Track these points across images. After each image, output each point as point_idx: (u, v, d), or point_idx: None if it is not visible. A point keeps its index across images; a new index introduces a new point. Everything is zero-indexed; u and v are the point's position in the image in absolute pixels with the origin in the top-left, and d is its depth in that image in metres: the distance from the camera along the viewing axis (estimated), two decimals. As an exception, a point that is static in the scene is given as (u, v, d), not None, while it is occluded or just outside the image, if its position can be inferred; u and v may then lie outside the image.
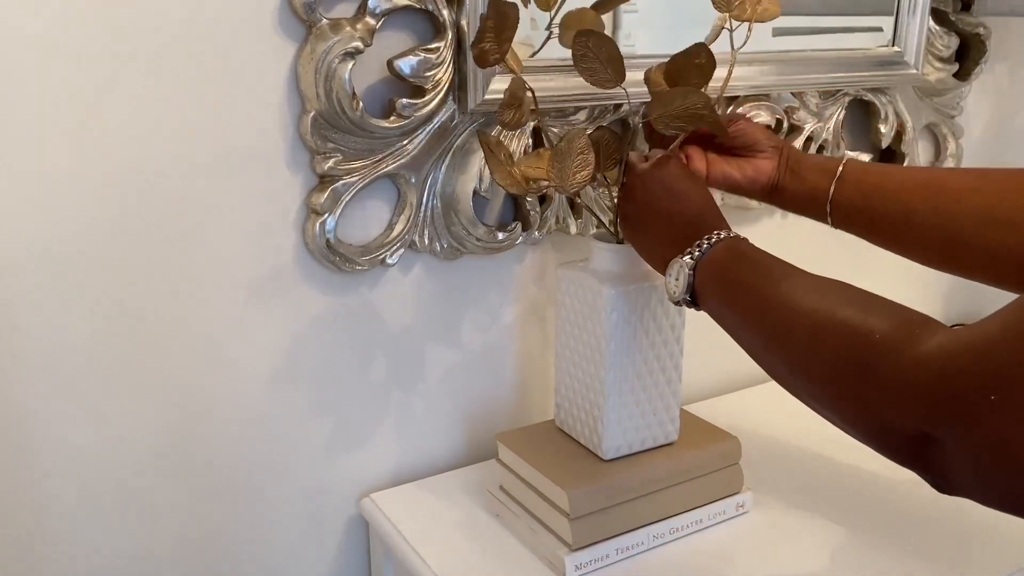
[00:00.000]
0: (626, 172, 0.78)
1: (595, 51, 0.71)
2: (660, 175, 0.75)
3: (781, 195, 0.83)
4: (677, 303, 0.70)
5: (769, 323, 0.62)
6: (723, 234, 0.69)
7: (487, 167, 0.81)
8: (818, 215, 0.81)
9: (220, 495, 0.84)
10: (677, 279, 0.69)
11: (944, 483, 0.50)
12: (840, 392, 0.55)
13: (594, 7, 0.76)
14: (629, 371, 0.79)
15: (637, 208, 0.76)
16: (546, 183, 0.77)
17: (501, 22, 0.72)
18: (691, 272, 0.68)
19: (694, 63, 0.74)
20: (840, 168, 0.79)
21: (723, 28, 0.79)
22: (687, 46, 0.74)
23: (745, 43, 0.77)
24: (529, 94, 0.75)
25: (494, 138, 0.80)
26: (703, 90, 0.73)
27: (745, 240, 0.69)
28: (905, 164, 1.20)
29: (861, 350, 0.53)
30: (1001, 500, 0.48)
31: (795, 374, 0.59)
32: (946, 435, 0.47)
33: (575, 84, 0.86)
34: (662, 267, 0.72)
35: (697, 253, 0.68)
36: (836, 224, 0.81)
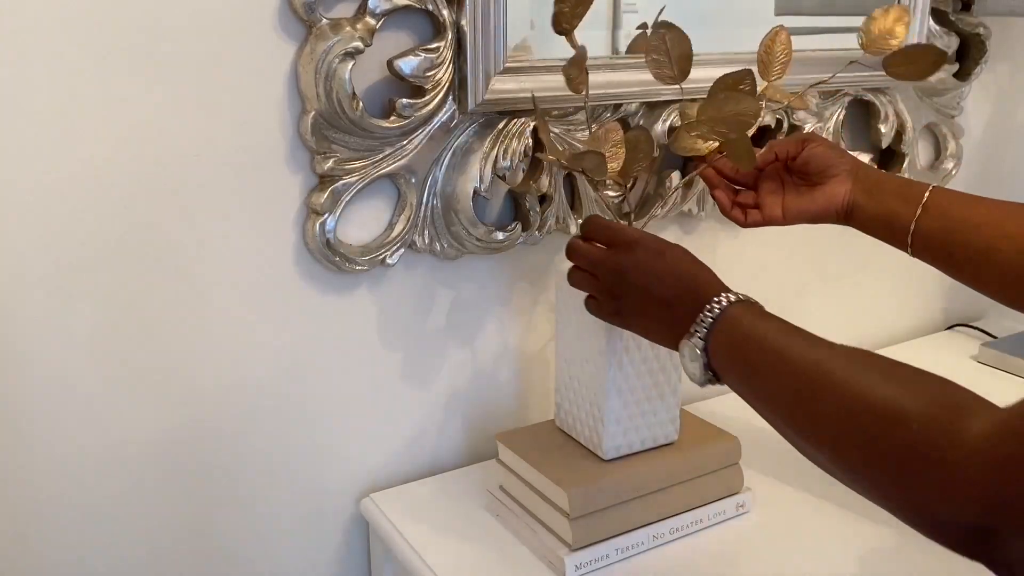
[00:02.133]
0: (592, 265, 0.73)
1: (669, 45, 0.73)
2: (634, 261, 0.70)
3: (856, 217, 0.80)
4: (702, 385, 0.66)
5: (795, 408, 0.58)
6: (723, 301, 0.65)
7: (542, 140, 0.82)
8: (896, 242, 0.79)
9: (220, 495, 0.84)
10: (692, 362, 0.65)
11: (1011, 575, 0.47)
12: (886, 488, 0.51)
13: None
14: (629, 371, 0.79)
15: (623, 303, 0.71)
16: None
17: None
18: (704, 352, 0.64)
19: (739, 86, 0.75)
20: (926, 195, 0.76)
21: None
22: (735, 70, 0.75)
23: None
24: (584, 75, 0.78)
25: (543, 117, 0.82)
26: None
27: (748, 304, 0.65)
28: (906, 164, 1.20)
29: (900, 444, 0.49)
30: None
31: (835, 464, 0.55)
32: (1008, 530, 0.44)
33: (575, 84, 0.87)
34: (674, 346, 0.68)
35: (704, 331, 0.64)
36: (915, 254, 0.78)
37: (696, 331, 0.65)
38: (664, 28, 0.73)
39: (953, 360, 1.17)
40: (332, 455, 0.89)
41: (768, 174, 0.84)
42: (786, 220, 0.81)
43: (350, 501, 0.91)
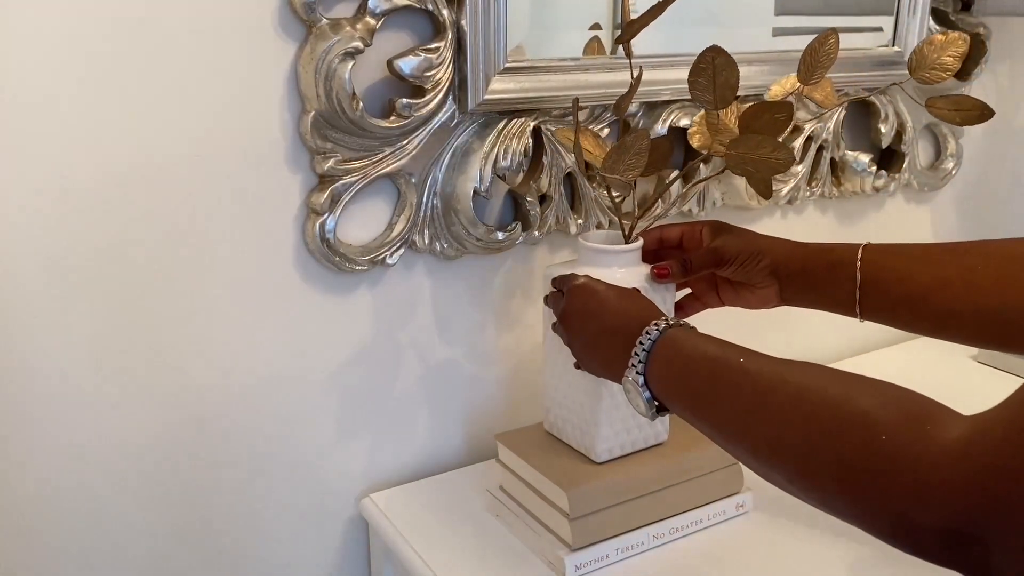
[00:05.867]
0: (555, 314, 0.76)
1: (716, 70, 0.72)
2: (570, 304, 0.72)
3: (798, 306, 0.77)
4: (652, 419, 0.65)
5: (751, 427, 0.55)
6: (657, 327, 0.63)
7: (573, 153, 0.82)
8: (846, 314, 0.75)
9: (220, 495, 0.84)
10: (636, 396, 0.64)
11: None
12: (857, 501, 0.48)
13: (619, 39, 0.77)
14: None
15: (573, 348, 0.73)
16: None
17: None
18: (644, 386, 0.63)
19: (775, 116, 0.74)
20: (858, 276, 0.71)
21: (793, 92, 0.80)
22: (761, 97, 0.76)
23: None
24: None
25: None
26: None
27: (684, 328, 0.64)
28: (906, 164, 1.20)
29: (870, 453, 0.46)
30: None
31: (799, 481, 0.53)
32: (987, 534, 0.42)
33: (575, 83, 0.87)
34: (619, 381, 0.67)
35: (640, 362, 0.63)
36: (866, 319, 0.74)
37: (633, 364, 0.63)
38: (714, 52, 0.71)
39: (953, 360, 1.16)
40: (332, 455, 0.89)
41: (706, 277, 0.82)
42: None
43: (350, 501, 0.91)
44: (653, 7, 0.71)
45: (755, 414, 0.54)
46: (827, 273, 0.73)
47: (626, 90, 0.78)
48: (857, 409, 0.48)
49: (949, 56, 0.76)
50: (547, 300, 0.79)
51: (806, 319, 0.79)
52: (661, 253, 0.82)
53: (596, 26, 0.90)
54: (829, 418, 0.49)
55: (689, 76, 0.73)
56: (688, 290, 0.84)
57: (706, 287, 0.82)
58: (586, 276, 0.74)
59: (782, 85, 0.83)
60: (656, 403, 0.63)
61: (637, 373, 0.63)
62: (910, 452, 0.45)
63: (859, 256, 0.71)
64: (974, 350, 1.23)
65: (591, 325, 0.70)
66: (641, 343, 0.63)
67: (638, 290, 0.74)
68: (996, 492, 0.41)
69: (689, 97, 0.74)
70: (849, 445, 0.48)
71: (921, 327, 0.71)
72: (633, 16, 0.77)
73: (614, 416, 0.79)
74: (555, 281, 0.78)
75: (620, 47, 0.79)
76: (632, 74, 0.76)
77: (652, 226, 0.83)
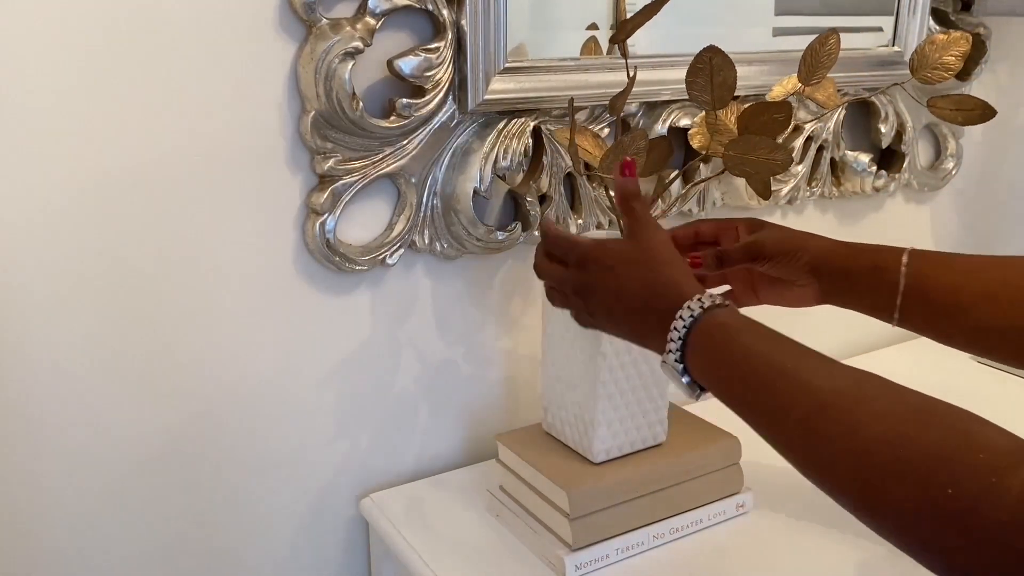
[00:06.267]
0: (559, 284, 0.70)
1: (714, 70, 0.72)
2: (589, 281, 0.67)
3: (839, 302, 0.74)
4: (698, 399, 0.61)
5: (804, 446, 0.51)
6: (689, 314, 0.59)
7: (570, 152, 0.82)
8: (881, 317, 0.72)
9: (220, 494, 0.84)
10: (676, 381, 0.60)
11: None
12: (906, 543, 0.46)
13: (613, 38, 0.77)
14: (619, 373, 0.78)
15: (597, 319, 0.68)
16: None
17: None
18: (685, 372, 0.59)
19: (774, 117, 0.74)
20: (901, 283, 0.68)
21: (794, 93, 0.80)
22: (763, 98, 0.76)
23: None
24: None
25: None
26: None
27: (720, 311, 0.59)
28: (906, 164, 1.20)
29: (932, 501, 0.44)
30: None
31: (844, 505, 0.49)
32: None
33: (575, 83, 0.87)
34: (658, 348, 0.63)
35: (677, 351, 0.59)
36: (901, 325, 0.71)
37: (671, 349, 0.59)
38: (711, 52, 0.71)
39: (953, 360, 1.16)
40: (332, 455, 0.89)
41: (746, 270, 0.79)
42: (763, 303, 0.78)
43: (350, 501, 0.91)
44: (647, 6, 0.71)
45: (805, 438, 0.51)
46: (869, 276, 0.70)
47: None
48: (918, 453, 0.45)
49: (951, 56, 0.76)
50: (539, 273, 0.73)
51: (806, 317, 0.79)
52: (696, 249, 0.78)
53: (593, 26, 0.90)
54: (887, 460, 0.46)
55: (687, 76, 0.73)
56: (726, 286, 0.81)
57: (743, 285, 0.79)
58: (590, 244, 0.68)
59: (783, 86, 0.83)
60: (698, 387, 0.60)
61: (676, 360, 0.59)
62: (975, 514, 0.42)
63: (904, 262, 0.69)
64: (974, 350, 1.23)
65: (617, 307, 0.65)
66: (676, 327, 0.59)
67: (665, 241, 0.66)
68: None
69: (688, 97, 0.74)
70: (909, 495, 0.45)
71: (958, 340, 0.69)
72: (631, 14, 0.77)
73: (612, 417, 0.79)
74: (549, 243, 0.72)
75: (617, 47, 0.79)
76: (628, 73, 0.76)
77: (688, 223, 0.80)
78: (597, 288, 0.66)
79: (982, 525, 0.42)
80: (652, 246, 0.65)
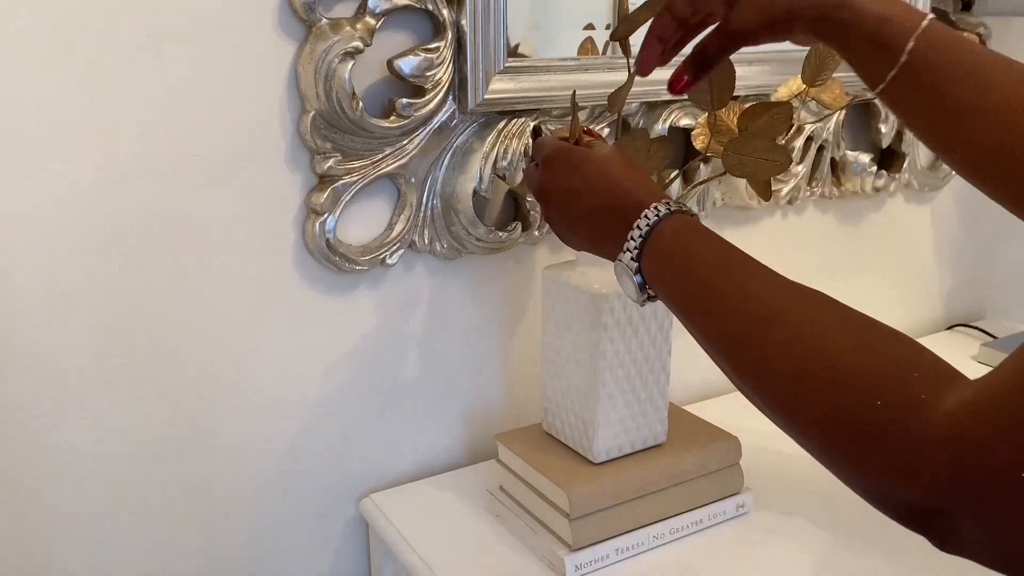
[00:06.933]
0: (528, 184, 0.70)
1: (712, 76, 0.71)
2: (549, 177, 0.66)
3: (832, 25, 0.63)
4: (641, 304, 0.61)
5: (742, 355, 0.51)
6: (652, 216, 0.58)
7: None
8: (874, 69, 0.63)
9: (220, 495, 0.84)
10: (627, 281, 0.60)
11: (954, 552, 0.44)
12: (838, 458, 0.47)
13: (613, 35, 0.77)
14: (619, 373, 0.78)
15: (554, 224, 0.68)
16: None
17: None
18: (638, 273, 0.59)
19: (774, 116, 0.74)
20: (903, 57, 0.60)
21: (799, 94, 0.78)
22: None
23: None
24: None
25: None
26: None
27: (682, 218, 0.59)
28: (906, 164, 1.20)
29: (861, 418, 0.44)
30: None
31: (774, 417, 0.50)
32: (961, 515, 0.41)
33: (575, 83, 0.87)
34: (612, 259, 0.62)
35: (634, 250, 0.59)
36: (887, 98, 0.63)
37: (628, 248, 0.59)
38: None
39: (953, 360, 1.16)
40: (332, 455, 0.89)
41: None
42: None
43: (350, 501, 0.91)
44: (645, 3, 0.71)
45: (747, 343, 0.51)
46: (866, 50, 0.62)
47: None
48: (854, 367, 0.46)
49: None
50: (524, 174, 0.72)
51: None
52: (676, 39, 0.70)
53: (590, 26, 0.90)
54: (823, 368, 0.47)
55: None
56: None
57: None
58: (558, 142, 0.68)
59: (788, 87, 0.83)
60: (648, 291, 0.60)
61: (632, 259, 0.59)
62: (899, 426, 0.43)
63: (908, 48, 0.61)
64: (975, 350, 1.23)
65: (577, 203, 0.64)
66: (639, 226, 0.58)
67: (628, 154, 0.66)
68: (974, 476, 0.40)
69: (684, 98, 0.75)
70: (839, 403, 0.45)
71: (933, 141, 0.63)
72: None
73: (612, 417, 0.79)
74: (534, 147, 0.72)
75: (617, 47, 0.79)
76: (630, 70, 0.76)
77: (622, 20, 0.72)
78: (555, 188, 0.66)
79: (905, 438, 0.42)
80: (615, 154, 0.65)
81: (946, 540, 0.43)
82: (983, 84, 0.59)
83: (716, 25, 0.66)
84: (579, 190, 0.64)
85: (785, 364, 0.49)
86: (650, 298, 0.60)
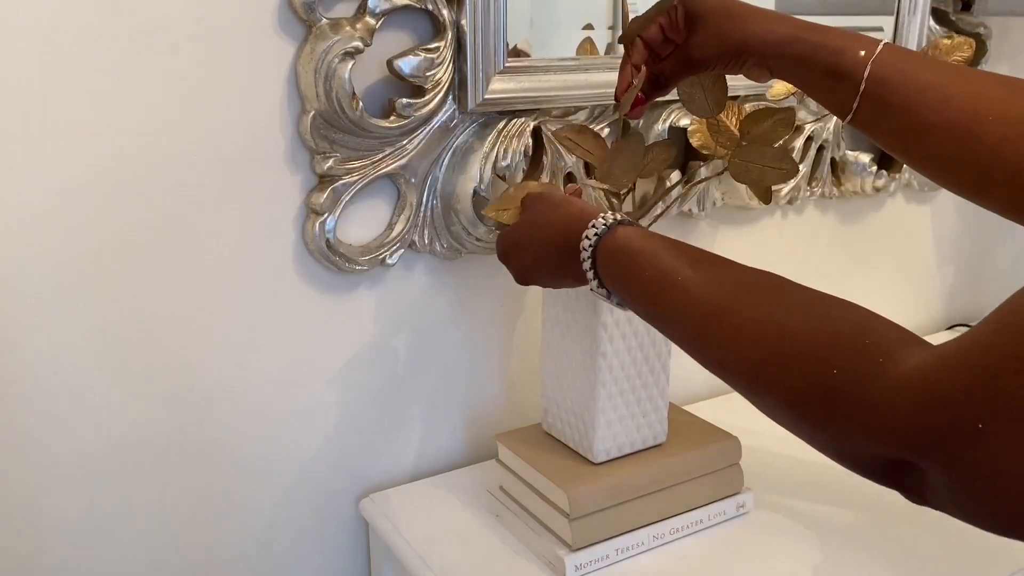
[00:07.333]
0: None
1: (705, 83, 0.73)
2: (499, 239, 0.72)
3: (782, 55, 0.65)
4: (625, 309, 0.64)
5: (695, 351, 0.54)
6: (599, 227, 0.61)
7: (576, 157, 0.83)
8: (835, 95, 0.65)
9: (220, 495, 0.84)
10: (599, 295, 0.63)
11: (923, 503, 0.45)
12: (804, 424, 0.48)
13: (621, 39, 0.77)
14: (619, 373, 0.78)
15: (519, 273, 0.71)
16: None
17: None
18: (602, 287, 0.61)
19: (778, 121, 0.75)
20: (863, 86, 0.62)
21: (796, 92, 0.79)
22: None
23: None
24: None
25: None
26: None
27: (620, 231, 0.61)
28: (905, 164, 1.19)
29: (821, 385, 0.46)
30: (991, 526, 0.43)
31: (747, 398, 0.51)
32: (926, 466, 0.42)
33: (575, 83, 0.87)
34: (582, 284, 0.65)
35: (588, 265, 0.61)
36: (857, 121, 0.64)
37: (585, 269, 0.62)
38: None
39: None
40: (332, 455, 0.89)
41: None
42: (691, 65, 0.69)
43: (350, 501, 0.91)
44: (652, 8, 0.71)
45: (702, 342, 0.53)
46: (825, 79, 0.64)
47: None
48: (809, 341, 0.47)
49: (954, 60, 0.77)
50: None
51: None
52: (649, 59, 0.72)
53: (589, 27, 0.90)
54: (776, 351, 0.48)
55: (680, 96, 0.75)
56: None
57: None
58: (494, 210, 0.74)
59: (786, 85, 0.83)
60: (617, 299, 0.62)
61: (598, 285, 0.62)
62: (859, 388, 0.44)
63: (864, 76, 0.62)
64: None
65: (527, 254, 0.69)
66: (584, 247, 0.61)
67: (552, 192, 0.71)
68: (935, 427, 0.41)
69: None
70: (797, 377, 0.47)
71: (908, 159, 0.65)
72: (632, 15, 0.77)
73: (612, 417, 0.79)
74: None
75: (618, 47, 0.79)
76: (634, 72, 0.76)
77: (626, 29, 0.73)
78: (508, 248, 0.71)
79: (864, 398, 0.44)
80: (541, 198, 0.70)
81: (914, 491, 0.45)
82: (944, 100, 0.60)
83: (674, 50, 0.70)
84: (525, 244, 0.69)
85: (736, 357, 0.51)
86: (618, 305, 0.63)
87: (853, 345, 0.46)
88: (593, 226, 0.61)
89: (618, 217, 0.62)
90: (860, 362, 0.45)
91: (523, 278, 0.71)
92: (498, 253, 0.73)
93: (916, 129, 0.61)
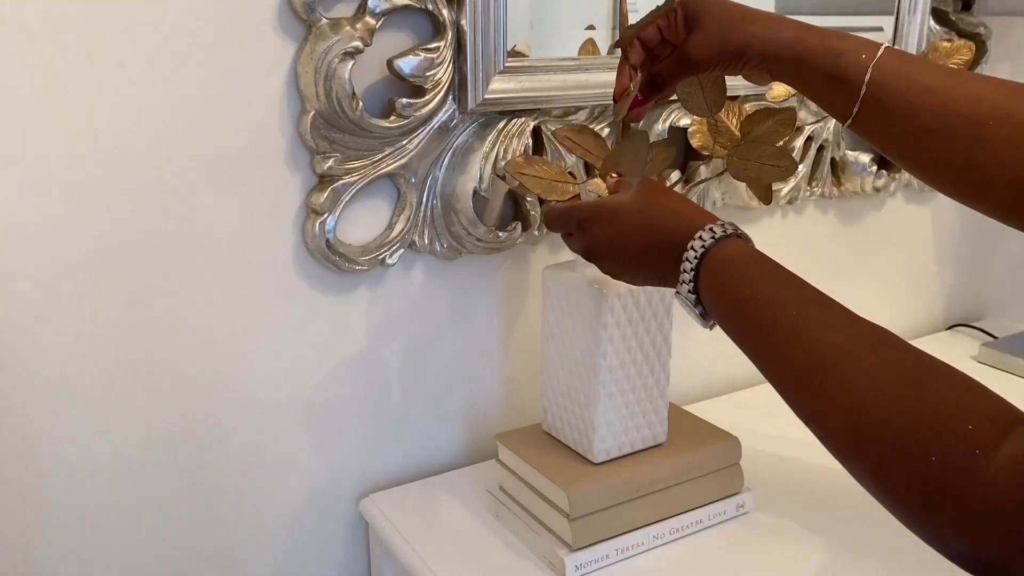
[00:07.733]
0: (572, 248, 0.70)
1: (704, 85, 0.72)
2: (593, 239, 0.67)
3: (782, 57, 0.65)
4: (712, 329, 0.61)
5: (802, 394, 0.51)
6: (705, 239, 0.58)
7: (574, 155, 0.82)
8: (835, 96, 0.65)
9: (220, 495, 0.84)
10: (690, 312, 0.60)
11: None
12: (889, 502, 0.46)
13: (617, 43, 0.77)
14: (619, 373, 0.78)
15: (614, 273, 0.68)
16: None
17: None
18: (697, 303, 0.59)
19: (779, 121, 0.75)
20: (863, 90, 0.62)
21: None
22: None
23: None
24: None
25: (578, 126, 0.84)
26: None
27: (730, 243, 0.59)
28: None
29: (913, 473, 0.44)
30: None
31: (836, 456, 0.49)
32: (1015, 565, 0.41)
33: (575, 83, 0.87)
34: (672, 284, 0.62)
35: (688, 277, 0.59)
36: (856, 124, 0.64)
37: (683, 280, 0.59)
38: None
39: (953, 360, 1.16)
40: (332, 455, 0.89)
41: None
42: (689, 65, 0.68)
43: (350, 501, 0.91)
44: (649, 14, 0.71)
45: (798, 390, 0.51)
46: (826, 83, 0.64)
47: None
48: (907, 420, 0.45)
49: (954, 63, 0.77)
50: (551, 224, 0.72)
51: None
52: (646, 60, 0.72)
53: (591, 27, 0.90)
54: (875, 421, 0.46)
55: (679, 97, 0.75)
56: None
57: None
58: (589, 205, 0.68)
59: (786, 87, 0.83)
60: (711, 320, 0.60)
61: (689, 292, 0.59)
62: (955, 483, 0.43)
63: (865, 80, 0.62)
64: (975, 350, 1.23)
65: (625, 250, 0.64)
66: (688, 258, 0.59)
67: (652, 185, 0.66)
68: None
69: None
70: (893, 457, 0.45)
71: (908, 164, 0.65)
72: (631, 16, 0.77)
73: (612, 417, 0.79)
74: (552, 223, 0.72)
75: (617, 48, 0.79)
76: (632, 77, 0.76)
77: (621, 34, 0.72)
78: (600, 243, 0.66)
79: (962, 497, 0.42)
80: (646, 190, 0.65)
81: None
82: (945, 105, 0.60)
83: (672, 51, 0.69)
84: (623, 235, 0.64)
85: (837, 414, 0.48)
86: (715, 325, 0.60)
87: (955, 430, 0.44)
88: (700, 238, 0.58)
89: (728, 228, 0.59)
90: (960, 453, 0.43)
91: (623, 279, 0.68)
92: (583, 255, 0.69)
93: (916, 134, 0.61)
